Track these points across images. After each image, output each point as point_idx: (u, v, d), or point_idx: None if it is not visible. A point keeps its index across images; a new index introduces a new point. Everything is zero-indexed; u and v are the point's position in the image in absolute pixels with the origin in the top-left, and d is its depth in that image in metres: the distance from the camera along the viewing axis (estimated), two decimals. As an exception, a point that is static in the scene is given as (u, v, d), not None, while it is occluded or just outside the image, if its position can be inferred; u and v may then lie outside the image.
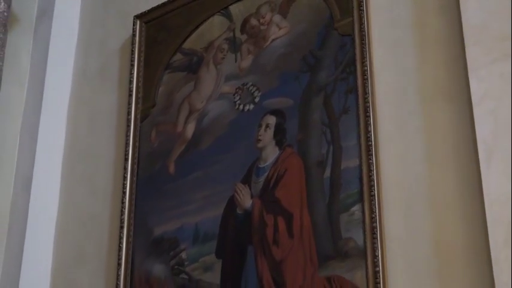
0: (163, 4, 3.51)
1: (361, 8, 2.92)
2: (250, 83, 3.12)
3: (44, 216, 3.43)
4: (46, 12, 3.89)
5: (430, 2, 2.81)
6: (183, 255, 3.00)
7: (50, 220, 3.44)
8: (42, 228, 3.41)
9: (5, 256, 3.39)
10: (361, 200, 2.65)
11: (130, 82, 3.43)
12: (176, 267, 3.00)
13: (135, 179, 3.24)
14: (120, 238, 3.15)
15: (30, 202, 3.42)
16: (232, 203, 2.95)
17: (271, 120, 2.99)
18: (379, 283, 2.51)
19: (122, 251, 3.12)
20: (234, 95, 3.15)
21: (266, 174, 2.91)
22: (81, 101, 3.70)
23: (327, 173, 2.77)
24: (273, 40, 3.14)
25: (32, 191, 3.44)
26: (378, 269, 2.53)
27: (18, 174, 3.54)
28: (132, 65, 3.47)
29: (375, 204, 2.61)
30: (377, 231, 2.58)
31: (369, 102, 2.76)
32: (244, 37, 3.24)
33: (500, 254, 2.25)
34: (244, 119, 3.07)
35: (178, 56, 3.40)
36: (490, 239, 2.28)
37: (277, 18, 3.17)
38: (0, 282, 3.34)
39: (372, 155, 2.68)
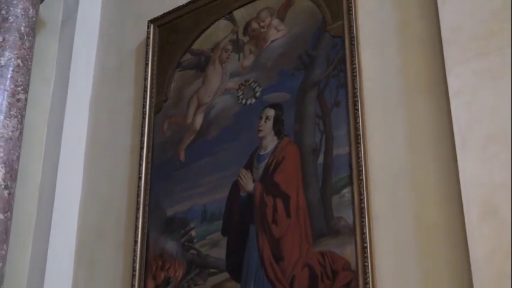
0: (175, 10, 3.50)
1: (351, 12, 2.91)
2: (252, 80, 3.12)
3: (68, 199, 3.43)
4: (70, 17, 3.88)
5: (412, 7, 2.81)
6: (193, 233, 3.00)
7: (74, 202, 3.44)
8: (67, 209, 3.41)
9: (34, 234, 3.40)
10: (350, 183, 2.65)
11: (145, 79, 3.43)
12: (186, 243, 3.00)
13: (149, 165, 3.24)
14: (137, 218, 3.14)
15: (56, 186, 3.42)
16: (236, 187, 2.95)
17: (271, 112, 2.99)
18: (367, 257, 2.51)
19: (138, 229, 3.12)
20: (237, 90, 3.14)
21: (266, 160, 2.91)
22: (101, 96, 3.69)
23: (320, 159, 2.77)
24: (272, 41, 3.13)
25: (58, 176, 3.44)
26: (366, 244, 2.53)
27: (46, 161, 3.55)
28: (147, 64, 3.46)
29: (363, 187, 2.62)
30: (365, 211, 2.58)
31: (357, 97, 2.76)
32: (246, 39, 3.23)
33: (475, 231, 2.25)
34: (247, 112, 3.07)
35: (187, 56, 3.39)
36: (465, 218, 2.29)
37: (275, 22, 3.16)
38: (31, 257, 3.35)
39: (360, 143, 2.68)
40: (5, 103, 3.22)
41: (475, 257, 2.22)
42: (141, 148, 3.29)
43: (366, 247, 2.53)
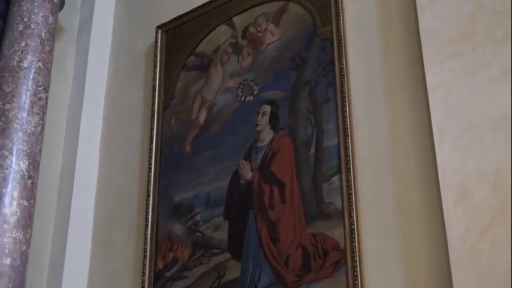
0: (180, 16, 3.49)
1: (339, 17, 2.92)
2: (250, 79, 3.12)
3: (86, 187, 3.42)
4: (86, 24, 3.88)
5: (394, 12, 2.81)
6: (198, 217, 3.00)
7: (90, 190, 3.43)
8: (84, 197, 3.40)
9: (55, 219, 3.39)
10: (339, 172, 2.65)
11: (154, 80, 3.42)
12: (192, 227, 3.00)
13: (158, 156, 3.23)
14: (147, 204, 3.14)
15: (75, 175, 3.41)
16: (236, 175, 2.95)
17: (267, 108, 2.99)
18: (355, 238, 2.52)
19: (149, 214, 3.12)
20: (237, 89, 3.14)
21: (263, 152, 2.91)
22: (114, 95, 3.69)
23: (312, 150, 2.77)
24: (268, 44, 3.13)
25: (76, 167, 3.43)
26: (353, 227, 2.54)
27: (65, 154, 3.54)
28: (155, 66, 3.45)
29: (351, 175, 2.62)
30: (352, 197, 2.58)
31: (345, 94, 2.77)
32: (244, 42, 3.23)
33: (451, 214, 2.26)
34: (246, 108, 3.07)
35: (192, 58, 3.39)
36: (442, 202, 2.29)
37: (271, 26, 3.16)
38: (52, 240, 3.35)
39: (348, 135, 2.68)
40: (28, 102, 3.22)
41: (451, 237, 2.23)
42: (151, 141, 3.28)
43: (354, 229, 2.53)
